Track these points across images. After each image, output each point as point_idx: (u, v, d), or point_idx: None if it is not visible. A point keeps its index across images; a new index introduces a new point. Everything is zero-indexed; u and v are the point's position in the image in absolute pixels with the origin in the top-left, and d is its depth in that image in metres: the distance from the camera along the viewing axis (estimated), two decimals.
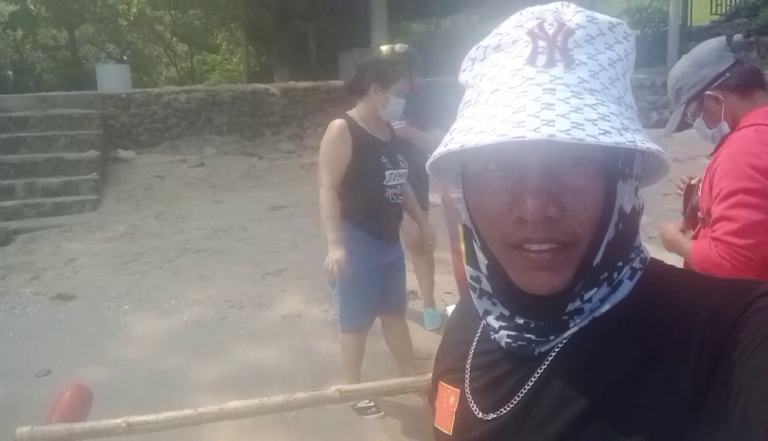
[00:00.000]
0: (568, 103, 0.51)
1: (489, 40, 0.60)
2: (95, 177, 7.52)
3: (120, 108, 8.95)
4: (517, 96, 0.53)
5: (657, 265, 0.63)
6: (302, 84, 9.67)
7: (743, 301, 0.51)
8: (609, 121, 0.50)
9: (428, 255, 3.79)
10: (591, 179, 0.54)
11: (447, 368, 0.73)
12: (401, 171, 2.76)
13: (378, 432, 2.88)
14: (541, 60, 0.55)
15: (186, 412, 1.98)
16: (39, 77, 18.86)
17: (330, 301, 4.20)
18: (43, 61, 19.97)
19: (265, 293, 4.56)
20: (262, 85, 9.79)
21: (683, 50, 12.17)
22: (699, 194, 1.70)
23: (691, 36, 12.40)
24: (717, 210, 1.56)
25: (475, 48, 0.62)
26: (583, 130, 0.48)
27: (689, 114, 1.73)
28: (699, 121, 1.73)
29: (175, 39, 20.51)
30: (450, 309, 2.21)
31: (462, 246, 0.70)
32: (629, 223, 0.59)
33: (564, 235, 0.55)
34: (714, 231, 1.54)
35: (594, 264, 0.57)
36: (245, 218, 6.58)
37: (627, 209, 0.59)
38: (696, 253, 1.60)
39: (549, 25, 0.56)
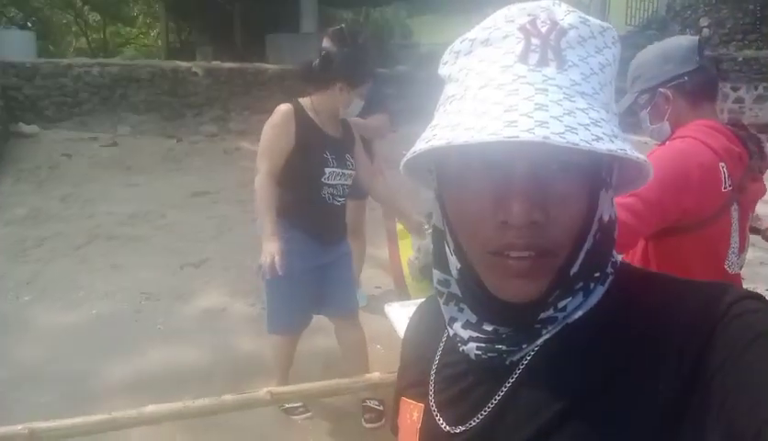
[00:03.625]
0: (560, 105, 0.49)
1: (476, 33, 0.57)
2: None
3: (24, 79, 8.19)
4: (508, 94, 0.50)
5: (627, 269, 0.63)
6: (227, 65, 9.25)
7: (720, 308, 0.51)
8: (601, 127, 0.49)
9: (362, 239, 3.84)
10: (576, 186, 0.53)
11: (410, 383, 0.71)
12: (347, 171, 2.60)
13: (307, 433, 2.77)
14: (533, 58, 0.52)
15: (99, 417, 1.80)
16: None
17: (256, 294, 4.03)
18: None
19: (185, 285, 4.30)
20: (184, 64, 9.27)
21: None
22: None
23: None
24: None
25: (460, 40, 0.59)
26: (577, 134, 0.47)
27: (639, 103, 1.74)
28: (644, 114, 1.74)
29: (86, 7, 19.12)
30: (390, 309, 2.12)
31: (429, 249, 0.67)
32: (607, 234, 0.59)
33: (546, 242, 0.53)
34: None
35: (572, 273, 0.56)
36: (164, 203, 6.20)
37: (606, 218, 0.58)
38: None
39: (542, 23, 0.53)
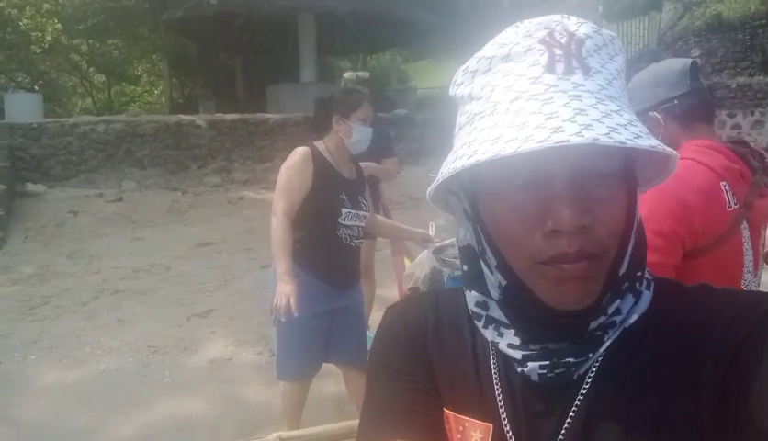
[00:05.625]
0: (596, 109, 0.50)
1: (494, 51, 0.57)
2: None
3: (30, 139, 8.36)
4: (544, 103, 0.51)
5: (664, 279, 0.64)
6: (230, 117, 9.44)
7: (761, 311, 0.53)
8: (637, 126, 0.50)
9: (372, 279, 3.81)
10: (615, 188, 0.54)
11: (459, 397, 0.64)
12: (361, 213, 2.60)
13: None
14: (560, 67, 0.53)
15: None
16: None
17: (263, 343, 3.99)
18: None
19: (192, 336, 4.26)
20: (187, 117, 9.46)
21: None
22: None
23: None
24: None
25: (475, 60, 0.59)
26: (620, 134, 0.48)
27: None
28: None
29: (92, 69, 19.64)
30: None
31: (461, 269, 0.66)
32: (642, 232, 0.61)
33: (596, 247, 0.53)
34: None
35: (620, 274, 0.57)
36: (169, 256, 6.22)
37: (640, 217, 0.60)
38: None
39: (560, 34, 0.55)
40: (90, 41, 17.44)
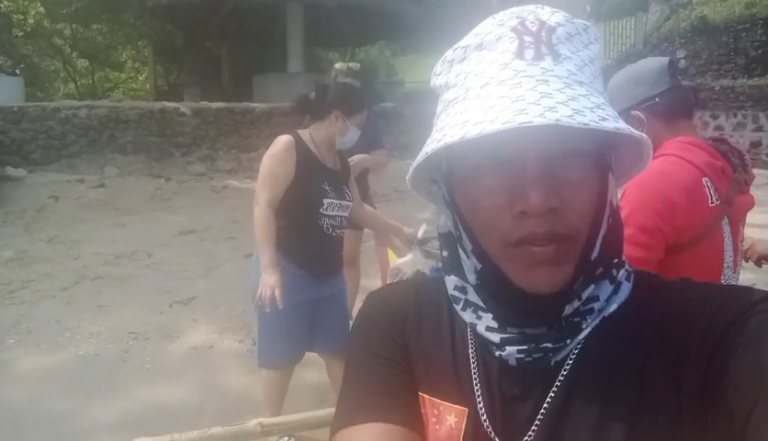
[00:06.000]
0: (563, 92, 0.51)
1: (468, 41, 0.59)
2: None
3: (11, 123, 8.22)
4: (512, 88, 0.52)
5: (643, 270, 0.65)
6: (215, 105, 9.35)
7: (744, 304, 0.53)
8: (604, 110, 0.51)
9: (357, 269, 3.82)
10: (586, 171, 0.55)
11: (433, 379, 0.64)
12: (344, 203, 2.59)
13: None
14: (529, 53, 0.55)
15: None
16: None
17: (245, 331, 3.98)
18: None
19: (173, 323, 4.23)
20: (172, 104, 9.36)
21: None
22: None
23: None
24: None
25: (452, 50, 0.60)
26: (584, 116, 0.49)
27: None
28: None
29: (75, 53, 19.32)
30: None
31: (441, 255, 0.66)
32: (617, 218, 0.60)
33: (565, 229, 0.54)
34: None
35: (592, 258, 0.57)
36: (151, 243, 6.17)
37: (615, 202, 0.60)
38: None
39: (531, 23, 0.56)
40: (73, 26, 17.16)
